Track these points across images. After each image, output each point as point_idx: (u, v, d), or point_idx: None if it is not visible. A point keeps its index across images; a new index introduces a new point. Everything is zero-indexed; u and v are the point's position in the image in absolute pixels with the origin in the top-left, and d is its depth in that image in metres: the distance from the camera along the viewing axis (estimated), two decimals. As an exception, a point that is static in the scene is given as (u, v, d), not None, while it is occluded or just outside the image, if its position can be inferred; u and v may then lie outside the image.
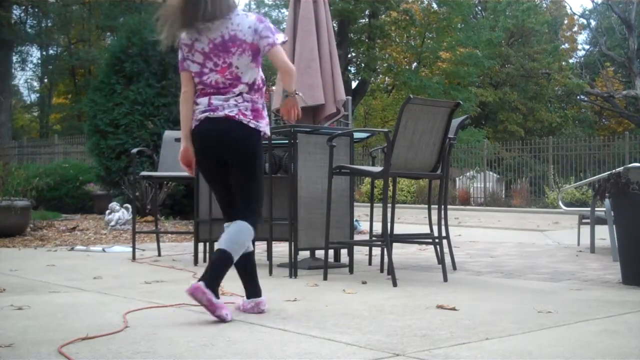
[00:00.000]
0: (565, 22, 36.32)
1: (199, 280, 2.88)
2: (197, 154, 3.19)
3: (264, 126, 3.16)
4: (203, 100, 3.13)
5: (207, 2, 3.04)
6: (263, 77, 3.24)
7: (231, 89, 3.11)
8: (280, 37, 3.15)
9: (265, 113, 3.20)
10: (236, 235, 3.03)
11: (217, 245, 3.06)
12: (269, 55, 3.14)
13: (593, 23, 35.16)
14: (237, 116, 3.08)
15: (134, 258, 5.65)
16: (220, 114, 3.08)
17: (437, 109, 4.30)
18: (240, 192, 3.14)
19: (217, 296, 2.92)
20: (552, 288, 3.99)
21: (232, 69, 3.10)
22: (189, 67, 3.14)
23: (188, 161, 3.22)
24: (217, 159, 3.15)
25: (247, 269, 3.15)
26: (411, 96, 4.17)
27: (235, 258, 3.00)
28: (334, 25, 21.06)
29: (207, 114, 3.10)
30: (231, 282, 4.10)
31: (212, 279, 2.92)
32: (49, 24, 29.35)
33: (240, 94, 3.12)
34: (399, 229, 5.80)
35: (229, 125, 3.08)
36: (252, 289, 3.13)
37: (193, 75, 3.15)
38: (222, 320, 2.84)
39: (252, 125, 3.10)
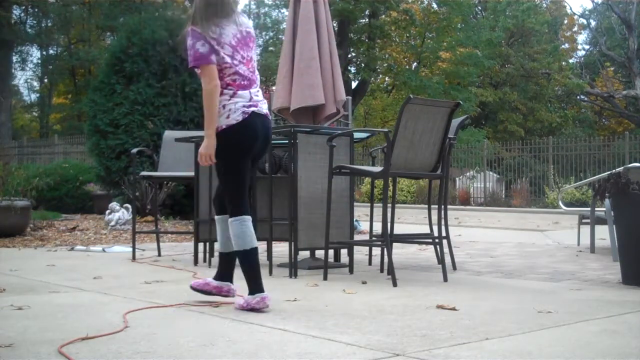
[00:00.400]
0: (565, 22, 36.32)
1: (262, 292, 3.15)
2: (238, 147, 3.21)
3: None
4: (244, 94, 3.21)
5: None
6: None
7: (254, 82, 3.28)
8: None
9: None
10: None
11: (254, 244, 3.22)
12: None
13: (593, 23, 35.17)
14: (269, 114, 3.32)
15: (134, 258, 5.65)
16: (263, 110, 3.27)
17: (437, 109, 4.30)
18: (250, 183, 3.37)
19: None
20: (552, 288, 3.99)
21: (252, 63, 3.29)
22: (224, 59, 3.18)
23: (211, 158, 3.25)
24: (253, 152, 3.28)
25: (252, 265, 3.21)
26: (411, 96, 4.17)
27: None
28: (334, 25, 21.06)
29: (253, 109, 3.21)
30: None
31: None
32: (49, 24, 29.36)
33: (259, 89, 3.31)
34: (399, 229, 5.80)
35: (269, 123, 3.33)
36: (256, 285, 3.15)
37: (227, 67, 3.19)
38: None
39: None
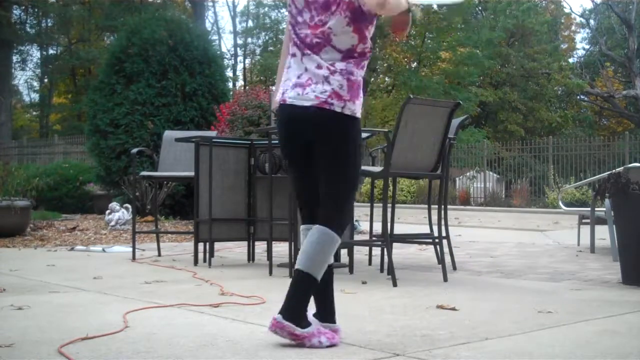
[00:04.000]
0: (562, 21, 36.32)
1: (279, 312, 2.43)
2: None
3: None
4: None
5: None
6: None
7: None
8: None
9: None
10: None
11: None
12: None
13: (593, 23, 35.16)
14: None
15: (134, 258, 5.65)
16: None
17: (437, 109, 4.30)
18: None
19: (303, 324, 2.41)
20: (552, 288, 3.99)
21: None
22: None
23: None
24: None
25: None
26: (411, 96, 4.17)
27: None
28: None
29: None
30: (230, 282, 4.11)
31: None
32: (49, 24, 29.40)
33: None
34: (399, 229, 5.80)
35: None
36: (328, 311, 2.64)
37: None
38: (318, 347, 2.38)
39: None
